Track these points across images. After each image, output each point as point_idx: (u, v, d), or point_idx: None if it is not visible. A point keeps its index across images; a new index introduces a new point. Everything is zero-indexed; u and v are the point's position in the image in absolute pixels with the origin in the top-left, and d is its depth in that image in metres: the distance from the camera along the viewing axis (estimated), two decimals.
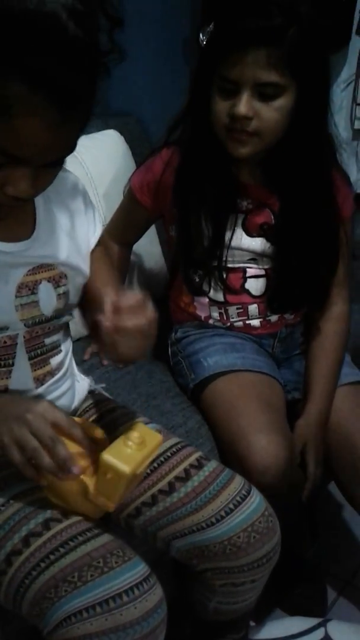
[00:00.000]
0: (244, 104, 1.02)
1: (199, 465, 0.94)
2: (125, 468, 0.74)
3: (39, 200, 0.87)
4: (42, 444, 0.75)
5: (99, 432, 0.87)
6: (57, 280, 0.88)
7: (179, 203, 1.21)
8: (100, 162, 1.46)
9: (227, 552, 0.90)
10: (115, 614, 0.75)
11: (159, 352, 1.41)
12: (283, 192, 1.18)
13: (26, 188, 0.71)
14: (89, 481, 0.78)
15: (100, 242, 0.99)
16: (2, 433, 0.76)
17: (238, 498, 0.91)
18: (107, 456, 0.75)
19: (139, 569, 0.80)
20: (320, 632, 1.11)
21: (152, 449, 0.80)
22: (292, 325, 1.30)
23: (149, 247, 1.53)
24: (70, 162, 1.39)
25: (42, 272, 0.86)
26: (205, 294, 1.25)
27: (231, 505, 0.90)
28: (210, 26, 1.08)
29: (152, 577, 0.81)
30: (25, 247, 0.85)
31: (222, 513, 0.89)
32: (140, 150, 1.58)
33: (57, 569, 0.78)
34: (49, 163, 0.72)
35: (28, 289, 0.85)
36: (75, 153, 1.43)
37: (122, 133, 1.56)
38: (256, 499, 0.93)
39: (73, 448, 0.79)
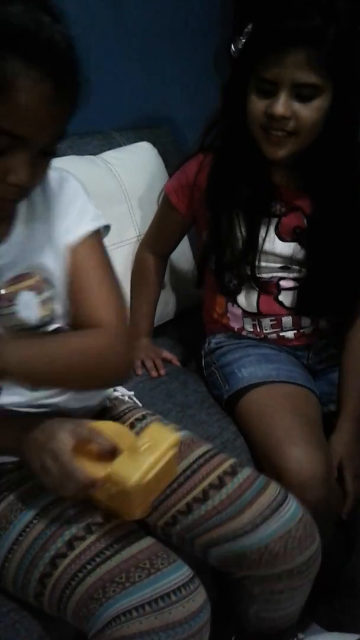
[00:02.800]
0: (282, 104, 1.03)
1: (232, 472, 0.93)
2: (128, 482, 0.74)
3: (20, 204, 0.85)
4: (62, 474, 0.76)
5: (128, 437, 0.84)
6: (38, 287, 0.86)
7: (212, 205, 1.20)
8: (133, 174, 1.47)
9: (264, 560, 0.89)
10: (164, 612, 0.76)
11: (192, 363, 1.42)
12: (316, 194, 1.17)
13: (27, 174, 0.73)
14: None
15: (136, 257, 0.98)
16: (32, 460, 0.79)
17: (274, 505, 0.90)
18: (110, 471, 0.75)
19: (184, 571, 0.81)
20: None
21: (166, 449, 0.78)
22: (327, 336, 1.29)
23: (181, 256, 1.54)
24: (104, 175, 1.43)
25: (20, 281, 0.85)
26: (238, 294, 1.24)
27: (267, 513, 0.89)
28: (249, 27, 1.08)
29: (196, 579, 0.82)
30: (1, 253, 0.83)
31: (258, 521, 0.89)
32: (173, 161, 1.59)
33: (103, 571, 0.79)
34: (45, 150, 0.74)
35: (8, 300, 0.84)
36: (109, 165, 1.47)
37: (154, 145, 1.58)
38: (292, 505, 0.92)
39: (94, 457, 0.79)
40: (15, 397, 0.88)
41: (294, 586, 0.93)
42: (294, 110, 1.04)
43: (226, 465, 0.94)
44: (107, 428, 0.83)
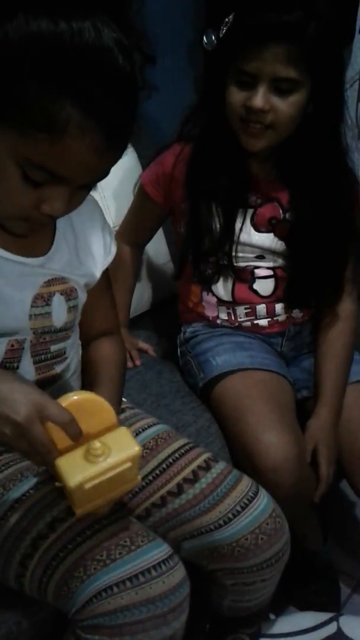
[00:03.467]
0: (260, 98, 1.03)
1: (207, 467, 0.95)
2: (69, 482, 0.71)
3: (59, 219, 0.88)
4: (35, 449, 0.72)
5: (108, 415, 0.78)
6: (68, 294, 0.90)
7: (190, 195, 1.21)
8: None
9: (236, 554, 0.91)
10: (145, 587, 0.78)
11: (167, 352, 1.43)
12: (294, 186, 1.19)
13: (62, 207, 0.73)
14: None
15: None
16: None
17: (245, 500, 0.92)
18: (58, 463, 0.72)
19: (163, 548, 0.83)
20: (332, 627, 1.12)
21: (123, 459, 0.73)
22: (301, 323, 1.31)
23: (156, 247, 1.54)
24: None
25: (56, 284, 0.88)
26: (215, 282, 1.25)
27: (238, 507, 0.91)
28: (229, 17, 1.07)
29: (175, 556, 0.84)
30: (42, 262, 0.86)
31: (230, 515, 0.91)
32: (145, 152, 1.59)
33: (84, 549, 0.80)
34: (86, 185, 0.75)
35: (43, 299, 0.87)
36: None
37: None
38: (263, 500, 0.94)
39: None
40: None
41: (265, 578, 0.95)
42: (272, 103, 1.04)
43: (200, 459, 0.96)
44: (91, 403, 0.76)
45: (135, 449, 0.74)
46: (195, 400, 1.26)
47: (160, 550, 0.82)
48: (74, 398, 0.75)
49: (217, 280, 1.25)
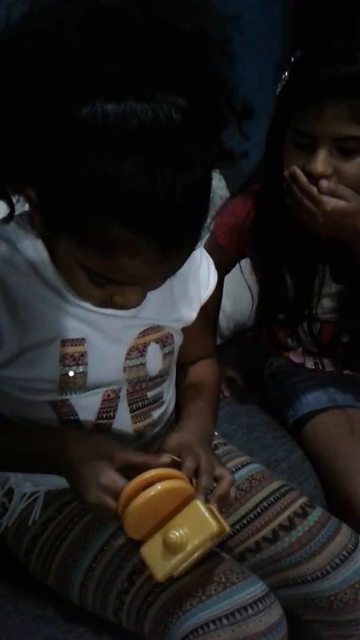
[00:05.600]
0: (321, 161, 0.94)
1: (303, 514, 0.93)
2: (158, 574, 0.73)
3: None
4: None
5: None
6: (164, 341, 0.89)
7: (258, 256, 1.16)
8: None
9: (334, 607, 0.89)
10: (241, 625, 0.77)
11: (255, 382, 1.42)
12: None
13: (135, 300, 0.71)
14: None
15: None
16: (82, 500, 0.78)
17: (345, 552, 0.90)
18: (143, 554, 0.74)
19: (259, 586, 0.82)
20: None
21: (200, 543, 0.72)
22: None
23: (239, 275, 1.53)
24: None
25: (151, 333, 0.87)
26: (293, 349, 1.23)
27: (337, 560, 0.89)
28: (284, 75, 0.97)
29: (271, 594, 0.83)
30: (135, 312, 0.82)
31: (328, 568, 0.89)
32: (235, 180, 1.59)
33: (179, 585, 0.81)
34: None
35: (138, 351, 0.86)
36: None
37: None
38: None
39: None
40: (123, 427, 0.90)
41: None
42: (336, 166, 0.95)
43: (296, 505, 0.95)
44: (172, 488, 0.74)
45: (212, 528, 0.72)
46: (286, 434, 1.27)
47: (256, 588, 0.82)
48: (158, 488, 0.73)
49: (297, 348, 1.22)
